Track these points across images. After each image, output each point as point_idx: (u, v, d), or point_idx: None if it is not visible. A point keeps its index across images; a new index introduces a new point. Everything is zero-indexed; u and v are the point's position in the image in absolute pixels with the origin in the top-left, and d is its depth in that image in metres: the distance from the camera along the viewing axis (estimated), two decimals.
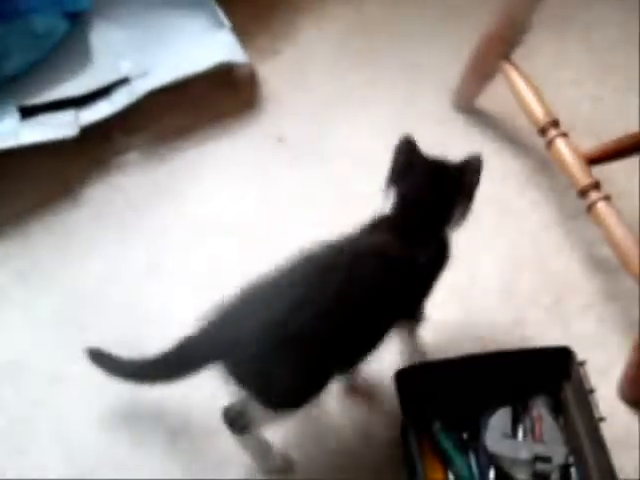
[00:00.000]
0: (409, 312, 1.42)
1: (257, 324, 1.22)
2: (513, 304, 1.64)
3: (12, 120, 1.72)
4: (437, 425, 1.43)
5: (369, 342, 1.32)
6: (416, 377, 1.41)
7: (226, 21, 1.86)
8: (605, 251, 1.57)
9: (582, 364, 1.42)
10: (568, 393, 1.46)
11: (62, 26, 1.81)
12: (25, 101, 1.75)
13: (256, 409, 1.29)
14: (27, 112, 1.74)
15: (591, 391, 1.40)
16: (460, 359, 1.46)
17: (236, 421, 1.34)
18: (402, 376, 1.40)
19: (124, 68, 1.81)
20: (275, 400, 1.27)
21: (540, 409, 1.45)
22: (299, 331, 1.20)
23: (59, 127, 1.71)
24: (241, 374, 1.25)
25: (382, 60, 2.00)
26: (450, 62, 1.87)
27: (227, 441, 1.37)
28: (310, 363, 1.25)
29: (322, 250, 1.28)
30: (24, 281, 1.66)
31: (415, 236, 1.32)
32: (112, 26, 1.87)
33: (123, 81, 1.80)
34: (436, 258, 1.35)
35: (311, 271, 1.27)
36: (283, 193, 1.79)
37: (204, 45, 1.85)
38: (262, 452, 1.41)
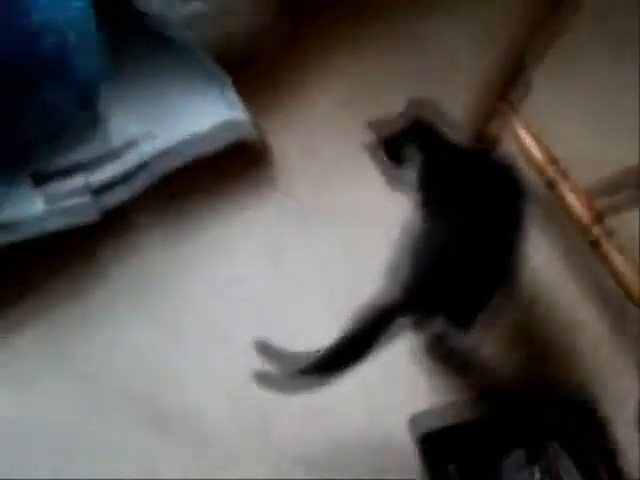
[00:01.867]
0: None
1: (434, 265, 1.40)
2: (526, 342, 1.65)
3: (26, 188, 1.76)
4: (453, 469, 1.43)
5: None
6: (431, 421, 1.43)
7: (229, 82, 1.90)
8: (613, 284, 1.57)
9: (606, 420, 1.46)
10: (588, 440, 1.47)
11: (74, 97, 1.85)
12: (37, 168, 1.80)
13: (450, 333, 1.49)
14: (38, 178, 1.79)
15: (614, 447, 1.43)
16: (476, 402, 1.48)
17: (439, 351, 1.59)
18: (417, 421, 1.41)
19: (132, 132, 1.86)
20: (464, 319, 1.44)
21: (557, 449, 1.45)
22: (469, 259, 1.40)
23: (80, 212, 1.75)
24: (434, 306, 1.41)
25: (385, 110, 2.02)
26: (454, 111, 1.88)
27: None
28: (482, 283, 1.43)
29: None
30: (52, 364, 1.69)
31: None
32: (120, 93, 1.92)
33: (132, 144, 1.85)
34: None
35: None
36: (297, 258, 1.80)
37: (209, 106, 1.89)
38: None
